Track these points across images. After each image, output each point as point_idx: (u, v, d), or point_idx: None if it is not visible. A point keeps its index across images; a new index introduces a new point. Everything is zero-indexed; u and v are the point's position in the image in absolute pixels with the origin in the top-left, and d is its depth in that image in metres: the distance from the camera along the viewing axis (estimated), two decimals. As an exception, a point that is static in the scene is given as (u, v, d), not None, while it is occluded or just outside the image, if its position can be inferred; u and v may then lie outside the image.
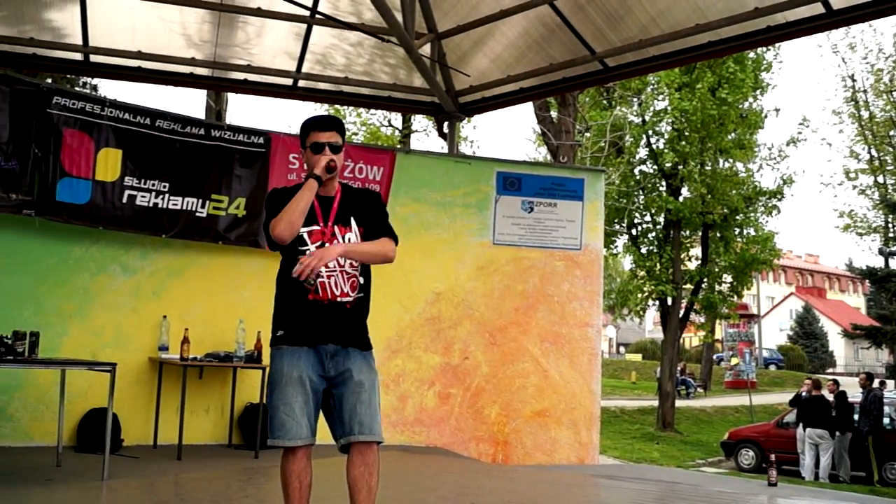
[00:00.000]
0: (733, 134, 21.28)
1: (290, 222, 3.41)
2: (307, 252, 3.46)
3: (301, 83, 8.84)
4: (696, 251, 24.48)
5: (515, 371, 8.38)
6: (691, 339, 46.56)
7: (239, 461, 6.76)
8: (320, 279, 3.50)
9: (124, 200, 6.88)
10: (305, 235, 3.54)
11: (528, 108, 21.64)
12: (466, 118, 10.34)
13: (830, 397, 15.31)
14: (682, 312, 22.99)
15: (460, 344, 8.28)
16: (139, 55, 7.88)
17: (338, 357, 3.55)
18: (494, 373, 8.29)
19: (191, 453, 6.73)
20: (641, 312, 25.32)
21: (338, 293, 3.56)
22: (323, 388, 3.55)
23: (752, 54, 20.62)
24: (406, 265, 8.09)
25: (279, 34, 8.27)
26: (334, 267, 3.54)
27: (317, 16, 7.85)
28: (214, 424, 7.43)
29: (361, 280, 3.63)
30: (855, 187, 32.35)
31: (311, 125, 3.64)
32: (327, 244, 3.52)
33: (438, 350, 8.21)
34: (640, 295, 22.93)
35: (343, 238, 3.59)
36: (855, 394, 16.06)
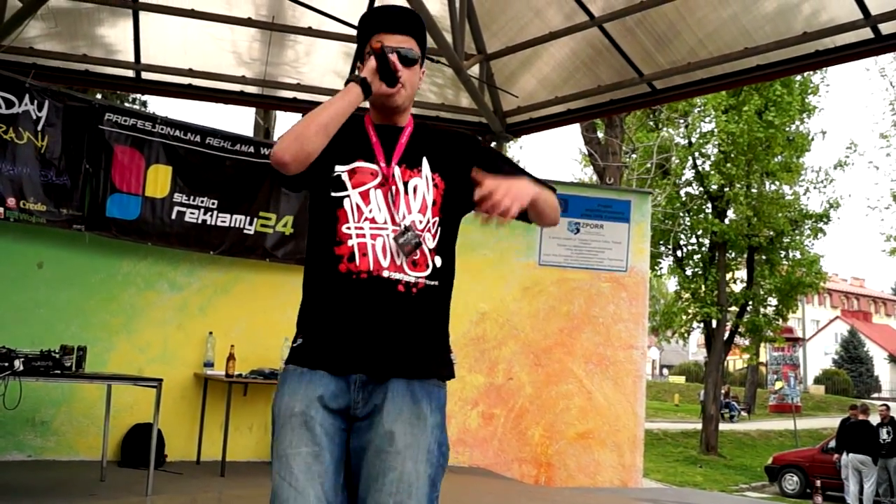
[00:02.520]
0: (780, 157, 21.00)
1: (301, 137, 2.14)
2: (347, 199, 2.23)
3: (349, 102, 8.75)
4: (742, 274, 24.12)
5: (559, 392, 8.20)
6: (735, 361, 45.80)
7: (282, 479, 6.64)
8: (413, 240, 2.21)
9: (173, 217, 6.82)
10: (344, 174, 2.26)
11: (574, 128, 21.50)
12: (514, 139, 10.21)
13: (875, 421, 14.93)
14: (726, 335, 22.63)
15: (504, 364, 8.11)
16: (190, 73, 7.86)
17: (371, 383, 2.17)
18: (538, 394, 8.12)
19: (234, 470, 6.62)
20: (686, 334, 24.95)
21: (386, 265, 2.20)
22: (345, 432, 2.18)
23: (798, 77, 20.31)
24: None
25: (328, 53, 8.21)
26: (389, 223, 2.23)
27: (366, 36, 7.76)
28: (258, 441, 7.32)
29: (438, 260, 2.29)
30: (902, 211, 31.70)
31: (372, 22, 2.37)
32: (380, 192, 2.25)
33: (482, 370, 8.05)
34: (684, 317, 22.62)
35: (407, 186, 2.28)
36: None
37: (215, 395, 6.99)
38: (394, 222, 2.22)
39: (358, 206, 2.24)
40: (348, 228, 2.21)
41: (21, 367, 5.22)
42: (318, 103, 7.93)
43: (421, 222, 2.27)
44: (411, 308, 2.20)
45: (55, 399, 6.51)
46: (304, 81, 8.41)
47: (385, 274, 2.18)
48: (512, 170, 2.39)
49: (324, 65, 8.38)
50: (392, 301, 2.18)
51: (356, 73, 2.34)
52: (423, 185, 2.30)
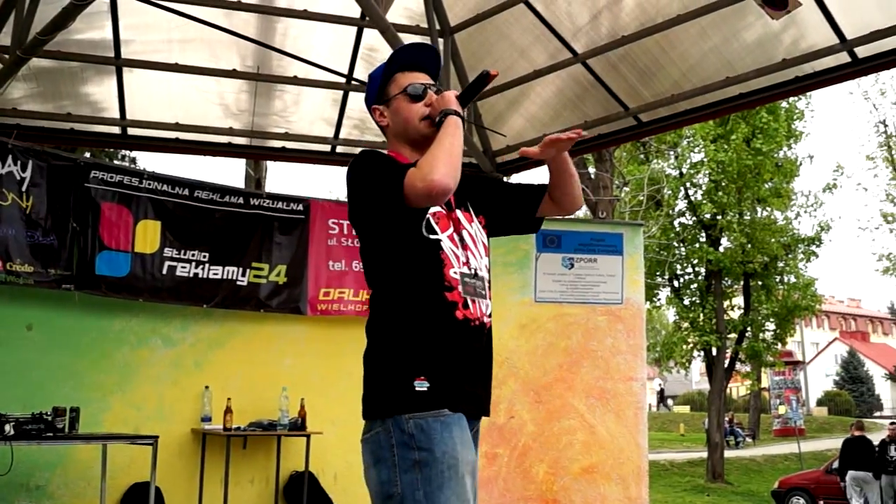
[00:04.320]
0: (770, 183, 21.03)
1: (455, 165, 2.20)
2: (442, 243, 2.29)
3: (339, 149, 8.68)
4: (739, 300, 24.03)
5: (562, 428, 8.02)
6: (738, 388, 45.50)
7: (285, 531, 6.48)
8: (473, 281, 2.32)
9: (164, 272, 6.69)
10: (431, 217, 2.32)
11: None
12: (504, 177, 10.14)
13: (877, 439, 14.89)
14: (727, 362, 22.47)
15: (505, 403, 7.93)
16: (176, 126, 7.77)
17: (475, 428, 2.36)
18: (541, 431, 7.93)
19: (236, 524, 6.44)
20: (687, 364, 24.77)
21: (483, 311, 2.33)
22: None
23: (784, 104, 20.41)
24: (447, 326, 7.84)
25: (316, 101, 8.14)
26: (479, 253, 2.39)
27: (353, 82, 7.71)
28: (259, 494, 7.13)
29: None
30: (892, 230, 31.61)
31: (402, 62, 2.49)
32: (456, 236, 2.35)
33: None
34: (684, 346, 22.47)
35: (470, 228, 2.42)
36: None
37: (214, 449, 6.80)
38: (469, 267, 2.33)
39: (454, 252, 2.32)
40: (455, 273, 2.28)
41: (12, 432, 5.11)
42: (308, 152, 7.84)
43: (486, 266, 2.43)
44: (491, 352, 2.38)
45: (49, 462, 6.31)
46: (293, 130, 8.33)
47: (485, 320, 2.33)
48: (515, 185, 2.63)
49: (312, 113, 8.31)
50: (490, 347, 2.37)
51: (392, 124, 2.50)
52: (479, 228, 2.46)
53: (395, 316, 2.26)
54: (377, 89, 2.54)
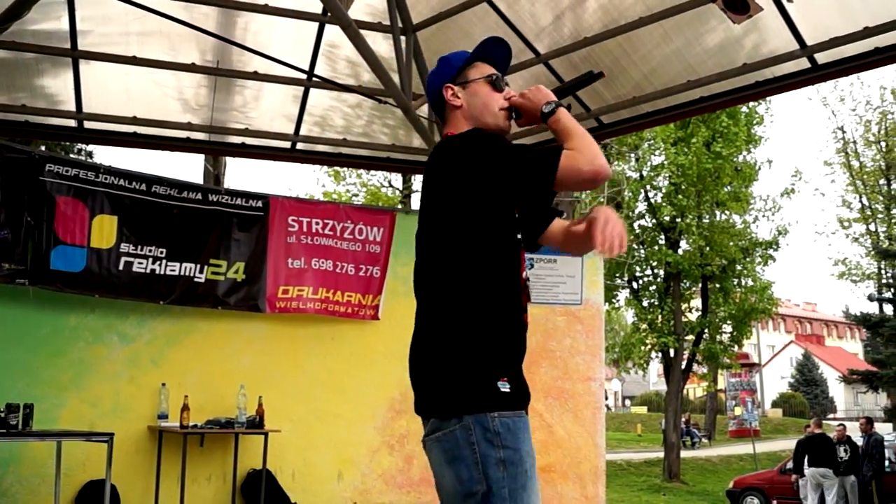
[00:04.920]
0: (729, 187, 21.29)
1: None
2: (521, 244, 2.35)
3: (299, 145, 8.66)
4: (697, 303, 24.31)
5: (521, 429, 8.08)
6: (695, 389, 46.03)
7: (241, 530, 6.45)
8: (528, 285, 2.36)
9: (120, 267, 6.63)
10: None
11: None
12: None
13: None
14: (684, 364, 22.74)
15: (464, 403, 7.98)
16: (134, 121, 7.70)
17: None
18: (500, 431, 7.98)
19: (192, 523, 6.41)
20: (645, 365, 25.02)
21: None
22: None
23: (744, 108, 20.68)
24: (408, 325, 7.82)
25: (277, 97, 8.11)
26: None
27: (314, 78, 7.70)
28: (216, 492, 7.09)
29: None
30: (848, 235, 32.26)
31: (484, 52, 2.61)
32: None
33: (442, 410, 7.89)
34: (643, 348, 22.68)
35: None
36: (856, 438, 15.91)
37: (170, 447, 6.76)
38: (525, 271, 2.38)
39: (521, 255, 2.37)
40: (525, 276, 2.33)
41: (-38, 429, 5.03)
42: (268, 148, 7.78)
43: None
44: None
45: (3, 459, 6.22)
46: (253, 126, 8.29)
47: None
48: None
49: (273, 109, 8.28)
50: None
51: (467, 106, 2.53)
52: None
53: (479, 315, 2.23)
54: (456, 70, 2.56)
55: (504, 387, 2.20)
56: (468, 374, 2.18)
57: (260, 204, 7.36)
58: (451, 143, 2.39)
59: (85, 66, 7.25)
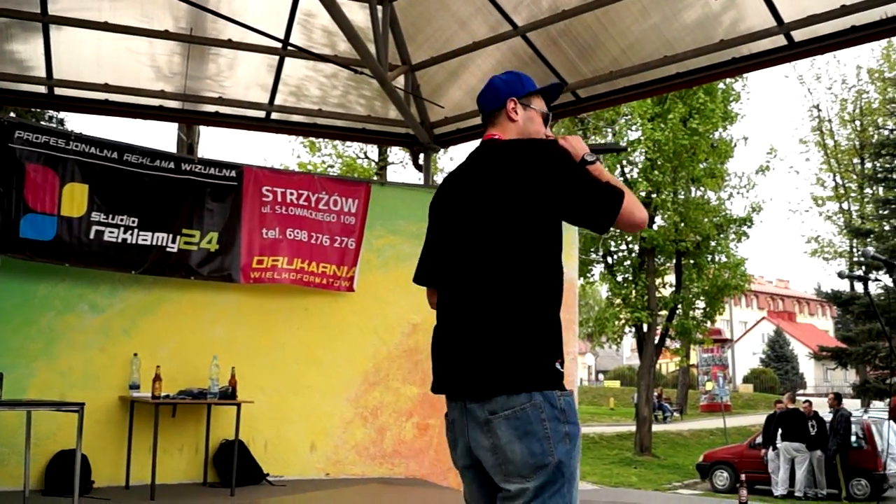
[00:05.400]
0: (704, 163, 21.39)
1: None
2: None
3: (274, 115, 8.60)
4: (671, 278, 24.49)
5: (494, 402, 8.13)
6: (668, 364, 46.52)
7: (214, 499, 6.44)
8: None
9: (91, 236, 6.56)
10: None
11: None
12: (442, 149, 10.16)
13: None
14: (657, 339, 22.92)
15: (438, 376, 8.01)
16: (106, 87, 7.61)
17: None
18: (473, 404, 8.02)
19: (164, 493, 6.38)
20: (618, 339, 25.22)
21: None
22: None
23: (721, 85, 20.75)
24: (382, 297, 7.86)
25: (251, 66, 8.04)
26: None
27: (289, 48, 7.63)
28: (189, 463, 7.09)
29: None
30: (821, 214, 32.67)
31: (547, 90, 2.86)
32: None
33: (416, 381, 7.92)
34: (616, 322, 22.86)
35: None
36: (824, 414, 16.20)
37: (142, 417, 6.74)
38: None
39: None
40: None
41: (-69, 398, 4.99)
42: (243, 118, 7.69)
43: None
44: None
45: (-28, 429, 6.20)
46: (228, 95, 8.22)
47: None
48: None
49: (247, 78, 8.21)
50: None
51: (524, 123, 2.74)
52: None
53: (541, 305, 2.46)
54: (524, 91, 2.77)
55: (560, 367, 2.43)
56: (534, 354, 2.40)
57: (233, 174, 7.31)
58: (531, 146, 2.59)
59: (56, 32, 7.15)
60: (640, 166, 21.75)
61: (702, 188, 22.22)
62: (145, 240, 6.81)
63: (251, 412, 6.92)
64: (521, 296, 2.43)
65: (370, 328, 7.80)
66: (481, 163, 2.65)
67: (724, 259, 23.07)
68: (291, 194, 7.54)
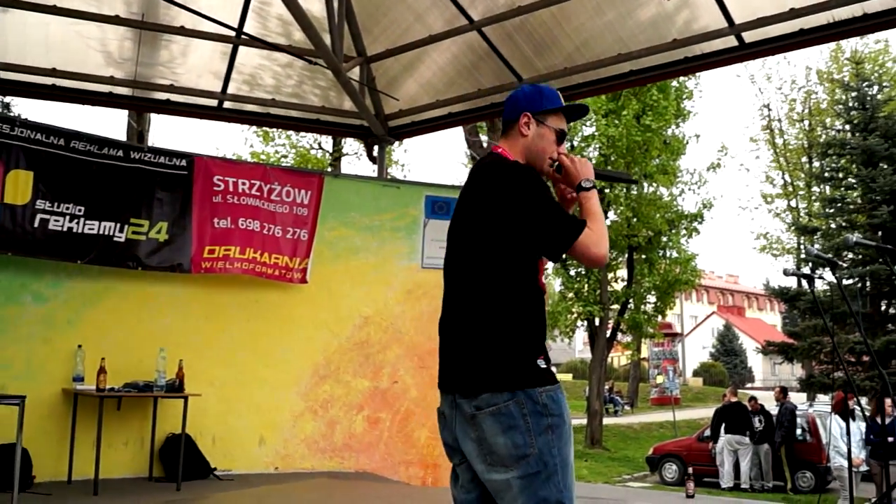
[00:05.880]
0: (657, 159, 21.61)
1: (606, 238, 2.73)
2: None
3: (227, 104, 8.49)
4: (623, 273, 24.69)
5: (445, 395, 8.12)
6: (619, 358, 46.95)
7: (160, 494, 6.33)
8: None
9: (35, 225, 6.41)
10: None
11: (458, 132, 21.59)
12: (396, 142, 10.13)
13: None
14: (609, 332, 23.11)
15: (389, 368, 7.98)
16: (54, 72, 7.44)
17: None
18: (424, 396, 8.00)
19: (109, 488, 6.27)
20: (571, 333, 25.39)
21: None
22: None
23: (674, 83, 20.97)
24: (334, 290, 7.81)
25: (204, 53, 7.91)
26: None
27: (243, 36, 7.53)
28: (134, 457, 6.98)
29: None
30: (770, 211, 33.18)
31: (569, 108, 2.92)
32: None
33: (367, 375, 7.89)
34: (569, 316, 23.00)
35: None
36: (771, 407, 16.57)
37: (86, 410, 6.60)
38: None
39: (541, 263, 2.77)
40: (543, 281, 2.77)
41: None
42: (195, 106, 7.58)
43: None
44: None
45: None
46: (180, 83, 8.09)
47: None
48: None
49: (200, 65, 8.08)
50: None
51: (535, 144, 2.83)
52: None
53: (519, 310, 2.59)
54: (542, 108, 2.84)
55: (542, 364, 2.56)
56: (513, 355, 2.54)
57: (184, 163, 7.19)
58: (505, 169, 2.70)
59: (1, 14, 6.95)
60: (593, 161, 21.85)
61: (654, 184, 22.45)
62: (92, 229, 6.68)
63: (199, 405, 6.83)
64: (502, 301, 2.59)
65: (321, 321, 7.74)
66: (473, 177, 2.78)
67: (675, 254, 23.36)
68: (243, 184, 7.44)
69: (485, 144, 16.93)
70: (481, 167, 2.78)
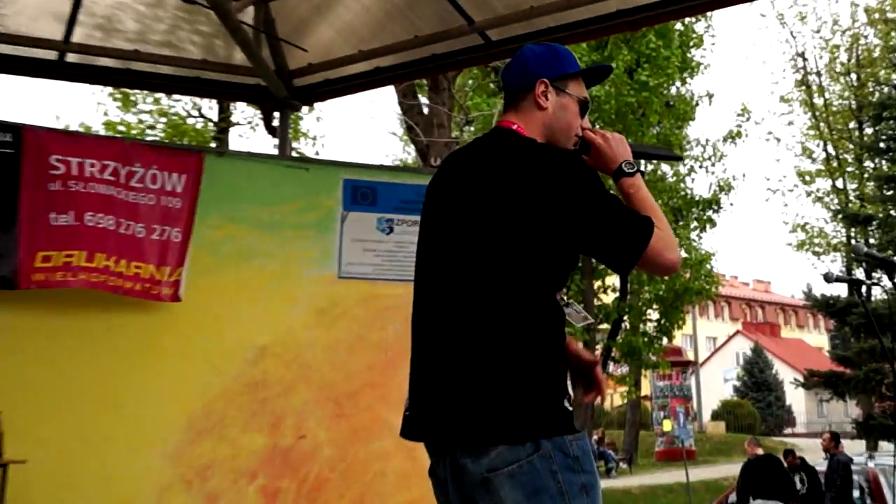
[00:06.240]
0: (657, 127, 21.90)
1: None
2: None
3: (71, 57, 8.44)
4: (614, 280, 24.88)
5: (371, 452, 8.14)
6: (611, 396, 47.35)
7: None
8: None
9: None
10: None
11: (389, 93, 21.62)
12: (304, 107, 10.16)
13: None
14: (596, 362, 23.28)
15: (293, 418, 7.99)
16: None
17: None
18: (342, 456, 8.03)
19: None
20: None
21: None
22: None
23: (678, 26, 21.19)
24: (216, 310, 7.80)
25: (41, -10, 7.91)
26: None
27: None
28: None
29: None
30: (809, 194, 33.59)
31: (589, 71, 3.08)
32: None
33: (262, 428, 7.89)
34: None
35: None
36: (818, 460, 16.65)
37: None
38: None
39: None
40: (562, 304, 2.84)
41: None
42: (26, 60, 7.58)
43: None
44: None
45: None
46: (6, 29, 8.04)
47: None
48: None
49: (35, 5, 8.05)
50: None
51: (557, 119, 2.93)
52: None
53: (540, 337, 2.60)
54: (560, 72, 2.95)
55: (569, 406, 2.58)
56: (536, 395, 2.54)
57: (8, 137, 7.14)
58: (539, 153, 2.75)
59: None
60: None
61: (654, 161, 22.73)
62: None
63: (23, 475, 6.76)
64: (520, 323, 2.60)
65: (199, 354, 7.69)
66: (487, 160, 2.80)
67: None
68: (92, 166, 7.41)
69: (425, 110, 17.01)
70: (494, 149, 2.83)
